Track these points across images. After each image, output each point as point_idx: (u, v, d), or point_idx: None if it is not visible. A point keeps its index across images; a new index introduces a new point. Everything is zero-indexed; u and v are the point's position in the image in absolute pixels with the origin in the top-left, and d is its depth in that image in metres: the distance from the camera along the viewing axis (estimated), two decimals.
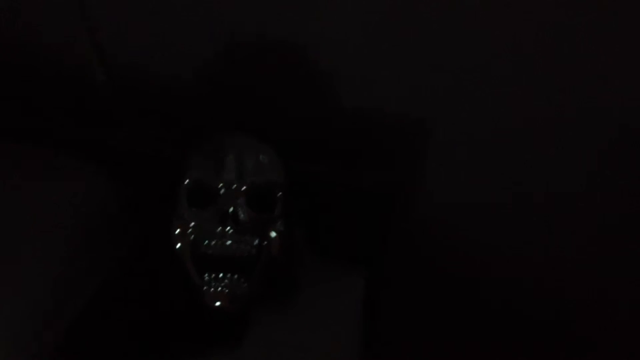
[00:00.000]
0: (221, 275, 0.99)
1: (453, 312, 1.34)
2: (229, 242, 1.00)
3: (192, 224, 1.02)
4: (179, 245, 1.02)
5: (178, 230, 1.02)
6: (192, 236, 1.01)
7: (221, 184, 1.02)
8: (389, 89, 1.15)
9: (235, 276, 1.00)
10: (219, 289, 0.99)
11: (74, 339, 1.03)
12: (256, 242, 1.02)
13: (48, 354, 1.01)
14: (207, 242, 1.00)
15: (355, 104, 1.17)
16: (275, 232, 1.04)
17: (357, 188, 1.17)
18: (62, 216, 1.11)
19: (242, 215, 1.01)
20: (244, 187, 1.02)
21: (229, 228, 0.99)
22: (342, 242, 1.20)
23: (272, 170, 1.06)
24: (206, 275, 0.99)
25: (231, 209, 1.00)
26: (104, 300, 1.06)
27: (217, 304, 0.99)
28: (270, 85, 1.21)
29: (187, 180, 1.04)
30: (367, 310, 1.16)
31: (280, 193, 1.05)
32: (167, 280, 1.05)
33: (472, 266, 1.28)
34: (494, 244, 1.26)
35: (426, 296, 1.32)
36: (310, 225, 1.18)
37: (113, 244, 1.14)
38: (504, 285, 1.30)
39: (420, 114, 1.18)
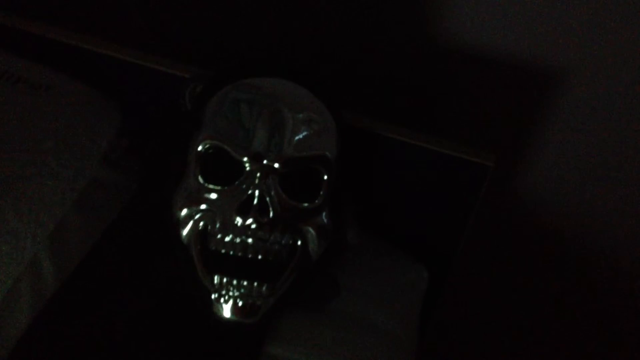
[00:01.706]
0: (236, 282, 0.72)
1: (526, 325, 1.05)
2: (250, 240, 0.72)
3: (203, 206, 0.74)
4: (185, 231, 0.74)
5: (184, 212, 0.74)
6: (202, 223, 0.74)
7: (246, 157, 0.72)
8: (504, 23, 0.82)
9: (256, 284, 0.72)
10: (232, 299, 0.72)
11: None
12: (289, 240, 0.73)
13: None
14: (220, 235, 0.72)
15: (459, 38, 0.84)
16: (316, 228, 0.75)
17: (440, 161, 0.86)
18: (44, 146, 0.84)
19: (272, 204, 0.72)
20: (279, 164, 0.73)
21: (251, 220, 0.71)
22: (405, 230, 0.91)
23: (322, 140, 0.76)
24: (217, 277, 0.72)
25: (257, 194, 0.71)
26: (80, 279, 0.80)
27: (228, 316, 0.73)
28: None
29: (200, 146, 0.74)
30: (425, 320, 0.89)
31: (326, 176, 0.75)
32: (167, 269, 0.78)
33: (566, 272, 0.98)
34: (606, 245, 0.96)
35: (495, 303, 1.03)
36: (365, 205, 0.89)
37: (106, 194, 0.87)
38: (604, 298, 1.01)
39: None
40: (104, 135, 0.88)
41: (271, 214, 0.72)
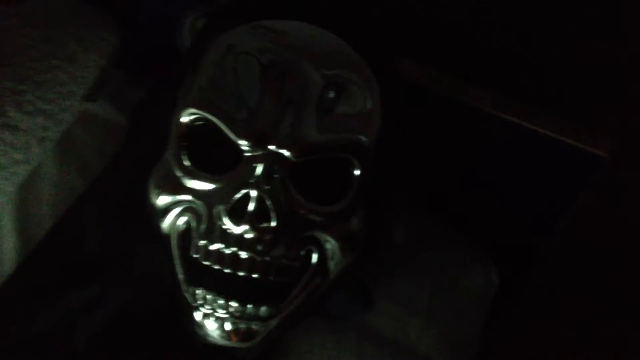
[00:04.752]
0: (223, 301, 0.53)
1: None
2: (243, 254, 0.52)
3: (186, 197, 0.54)
4: (164, 225, 0.55)
5: (161, 200, 0.55)
6: (183, 219, 0.54)
7: (245, 140, 0.51)
8: None
9: (250, 306, 0.53)
10: (219, 320, 0.54)
11: None
12: (299, 253, 0.53)
13: None
14: (204, 242, 0.53)
15: None
16: (340, 238, 0.55)
17: (537, 142, 0.62)
18: None
19: (275, 208, 0.51)
20: (291, 152, 0.51)
21: (246, 229, 0.51)
22: (479, 220, 0.68)
23: (358, 118, 0.53)
24: (200, 291, 0.54)
25: (255, 194, 0.50)
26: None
27: (214, 338, 0.55)
28: None
29: (184, 116, 0.53)
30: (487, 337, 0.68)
31: (359, 170, 0.53)
32: (148, 262, 0.60)
33: None
34: None
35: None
36: (426, 187, 0.66)
37: (92, 140, 0.69)
38: None
39: None
40: (92, 64, 0.68)
41: (274, 223, 0.51)
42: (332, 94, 0.52)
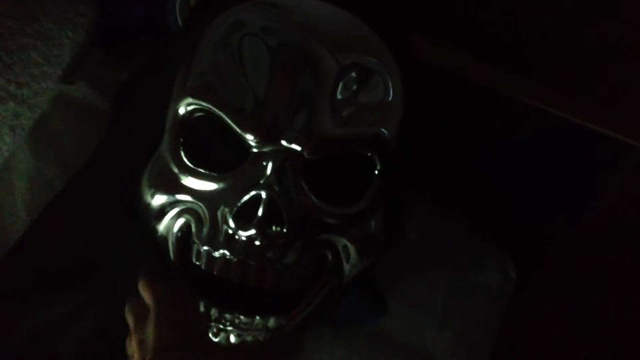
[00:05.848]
0: (229, 315, 0.48)
1: None
2: (252, 263, 0.46)
3: (184, 197, 0.47)
4: (160, 227, 0.49)
5: (157, 200, 0.49)
6: (182, 221, 0.48)
7: (253, 134, 0.45)
8: None
9: (258, 318, 0.48)
10: (224, 332, 0.48)
11: None
12: (313, 257, 0.48)
13: None
14: (207, 248, 0.47)
15: None
16: (357, 241, 0.49)
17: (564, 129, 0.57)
18: None
19: (288, 211, 0.45)
20: (305, 148, 0.45)
21: (254, 233, 0.45)
22: (495, 212, 0.64)
23: (378, 108, 0.47)
24: (203, 302, 0.48)
25: (265, 195, 0.44)
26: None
27: None
28: None
29: (182, 107, 0.47)
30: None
31: (379, 165, 0.47)
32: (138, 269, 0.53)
33: None
34: None
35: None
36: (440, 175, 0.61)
37: (71, 130, 0.62)
38: None
39: None
40: (67, 41, 0.60)
41: (286, 227, 0.45)
42: (349, 82, 0.46)
